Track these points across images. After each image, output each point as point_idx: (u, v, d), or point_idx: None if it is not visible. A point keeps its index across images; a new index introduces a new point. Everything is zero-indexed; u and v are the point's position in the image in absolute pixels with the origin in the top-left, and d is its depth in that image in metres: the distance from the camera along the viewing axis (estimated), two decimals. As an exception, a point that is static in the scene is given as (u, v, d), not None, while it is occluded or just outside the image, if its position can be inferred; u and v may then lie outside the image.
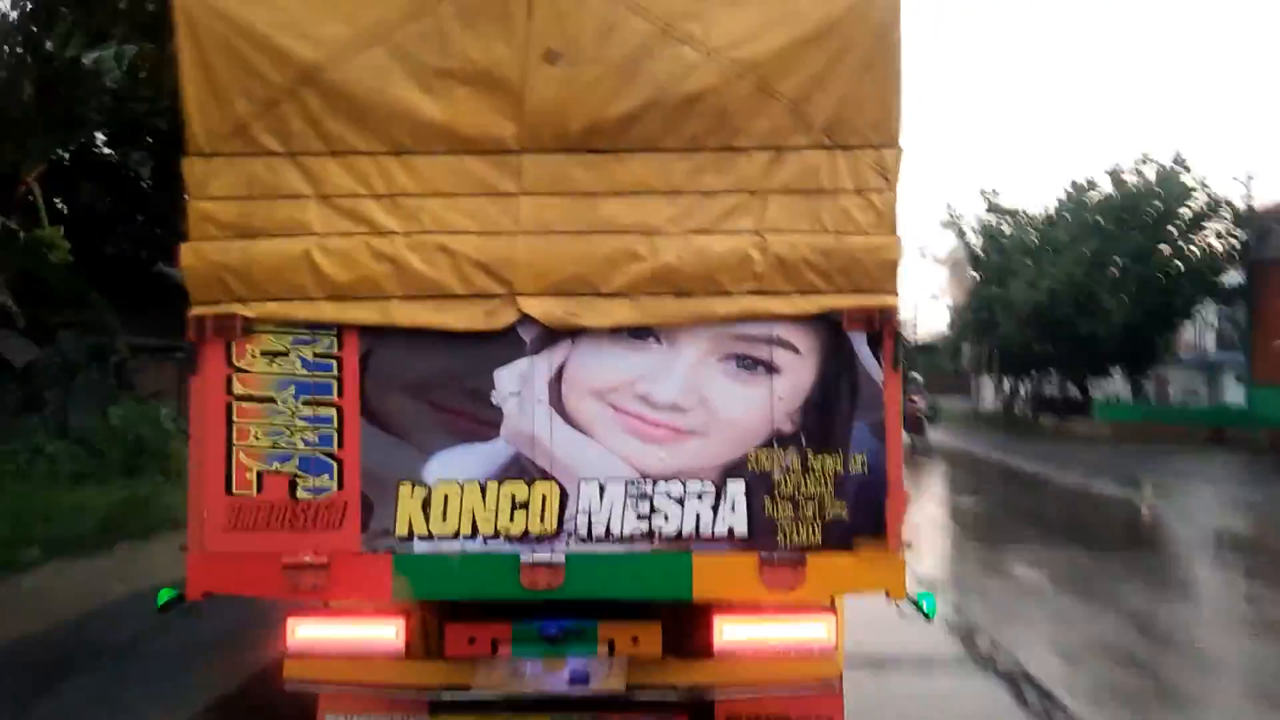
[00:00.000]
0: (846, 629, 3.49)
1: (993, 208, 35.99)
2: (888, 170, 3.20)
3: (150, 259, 14.09)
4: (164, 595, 3.23)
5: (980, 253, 36.30)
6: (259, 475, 3.13)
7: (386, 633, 3.34)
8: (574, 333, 3.16)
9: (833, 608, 3.42)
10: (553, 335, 3.16)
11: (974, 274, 36.94)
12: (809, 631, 3.38)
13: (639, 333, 3.17)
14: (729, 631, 3.37)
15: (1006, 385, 39.86)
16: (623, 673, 3.27)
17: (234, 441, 3.13)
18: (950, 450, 23.79)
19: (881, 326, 3.17)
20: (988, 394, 44.13)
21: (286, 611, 3.35)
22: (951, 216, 37.45)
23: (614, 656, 3.34)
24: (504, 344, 3.15)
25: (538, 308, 3.13)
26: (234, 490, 3.12)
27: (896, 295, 3.20)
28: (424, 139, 3.18)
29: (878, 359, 3.18)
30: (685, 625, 3.41)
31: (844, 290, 3.17)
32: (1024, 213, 35.53)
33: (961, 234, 37.15)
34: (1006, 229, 35.60)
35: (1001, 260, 34.00)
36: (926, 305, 65.56)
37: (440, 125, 3.17)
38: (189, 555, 3.16)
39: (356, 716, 3.53)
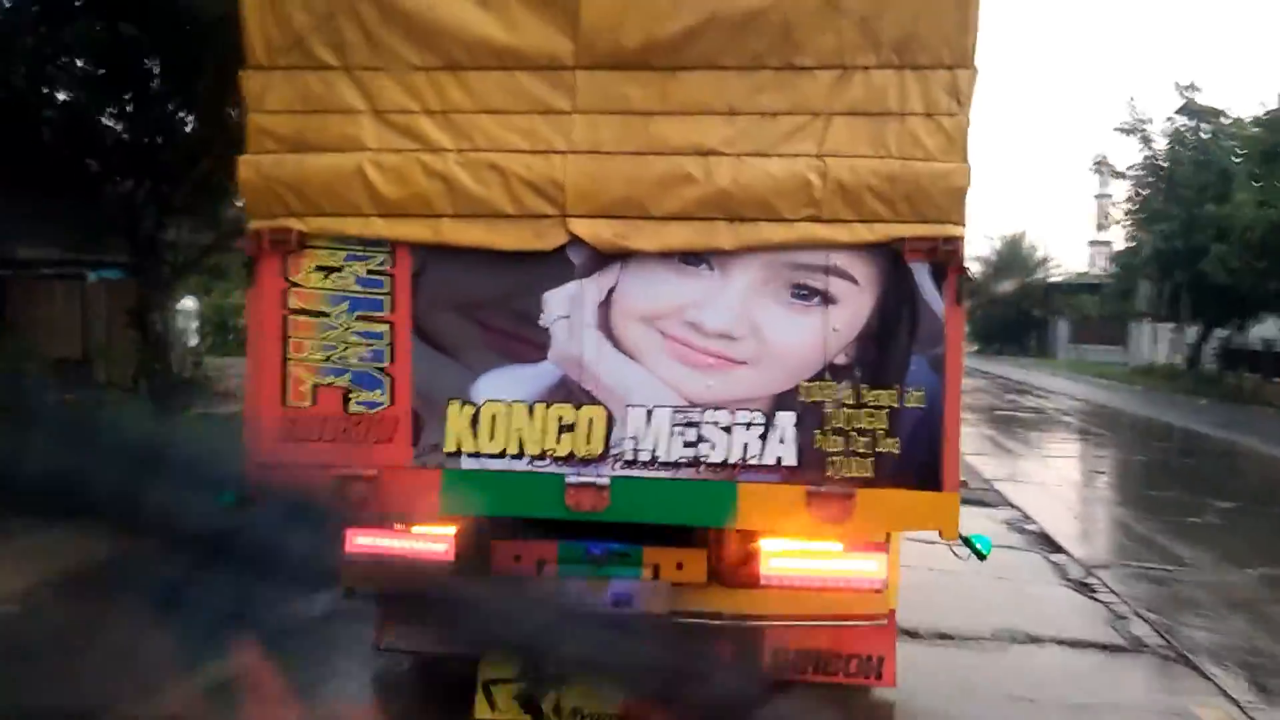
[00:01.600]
0: None
1: (1191, 108, 26.94)
2: (960, 92, 3.03)
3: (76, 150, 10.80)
4: (224, 496, 3.35)
5: (1171, 164, 27.51)
6: (314, 388, 3.20)
7: (437, 547, 3.42)
8: (624, 256, 3.11)
9: (886, 545, 3.37)
10: (602, 258, 3.12)
11: (1156, 192, 28.65)
12: (859, 567, 3.35)
13: (690, 258, 3.11)
14: (775, 563, 3.35)
15: (1192, 334, 29.97)
16: (666, 595, 3.30)
17: (289, 355, 3.20)
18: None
19: (946, 258, 3.04)
20: (1144, 345, 36.65)
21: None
22: (1135, 119, 28.35)
23: (658, 581, 3.37)
24: (553, 266, 3.12)
25: (587, 229, 3.09)
26: (289, 401, 3.20)
27: (963, 225, 3.06)
28: (478, 55, 3.13)
29: (940, 292, 3.06)
30: (732, 555, 3.41)
31: (907, 219, 3.04)
32: (1233, 114, 26.53)
33: (1148, 141, 28.43)
34: (1209, 133, 26.74)
35: (1206, 174, 25.50)
36: (1071, 238, 59.17)
37: (494, 41, 3.11)
38: (247, 464, 3.26)
39: (414, 627, 3.67)
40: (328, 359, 3.19)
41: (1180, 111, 27.13)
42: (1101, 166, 31.70)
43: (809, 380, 3.09)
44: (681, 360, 3.13)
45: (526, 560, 3.39)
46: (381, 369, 3.18)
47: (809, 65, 3.05)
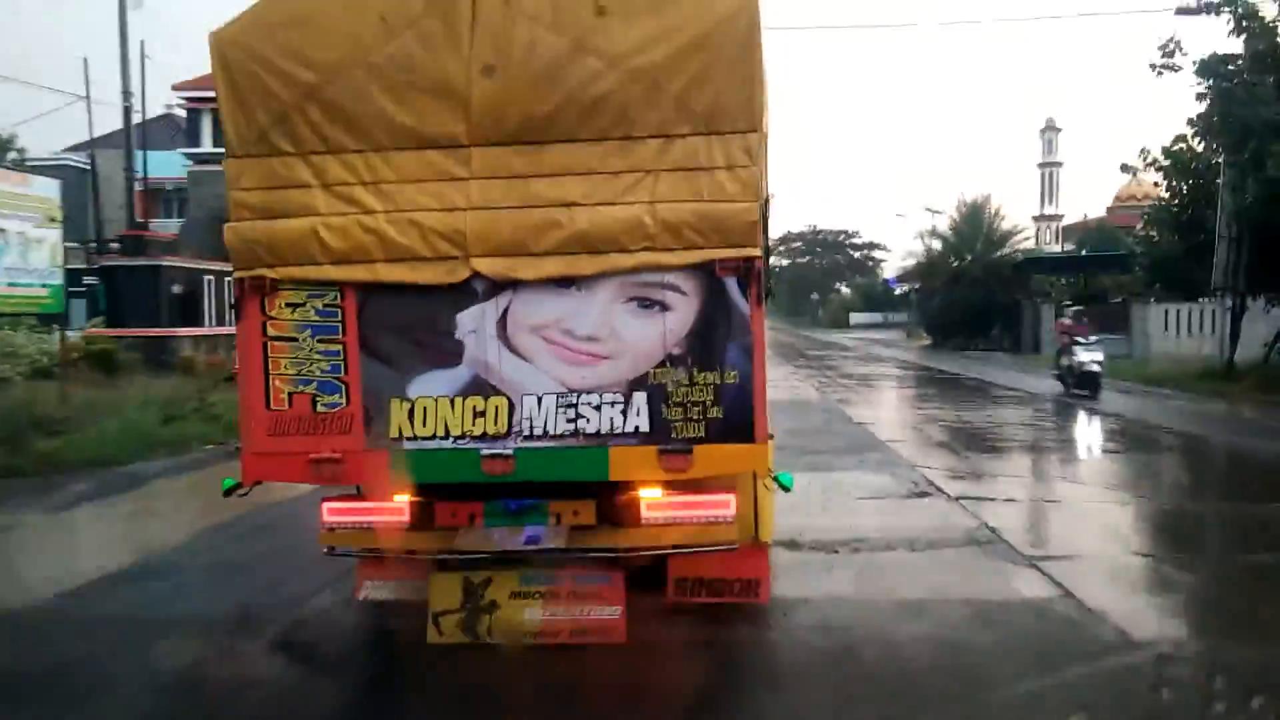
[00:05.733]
0: None
1: None
2: (752, 151, 4.08)
3: None
4: (226, 483, 4.51)
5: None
6: (289, 395, 4.29)
7: (395, 510, 4.55)
8: (513, 284, 4.17)
9: (734, 488, 4.47)
10: (498, 286, 4.18)
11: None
12: (714, 507, 4.44)
13: (562, 282, 4.16)
14: (649, 506, 4.45)
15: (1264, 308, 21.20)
16: (565, 535, 4.41)
17: (270, 371, 4.31)
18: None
19: (747, 272, 4.11)
20: (1153, 333, 28.96)
21: (322, 497, 4.61)
22: None
23: (560, 525, 4.49)
24: (462, 293, 4.19)
25: (486, 265, 4.16)
26: (271, 406, 4.30)
27: (758, 247, 4.12)
28: (398, 138, 4.18)
29: (745, 297, 4.13)
30: (618, 503, 4.48)
31: (718, 245, 4.08)
32: None
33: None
34: None
35: None
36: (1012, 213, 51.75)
37: (409, 127, 4.16)
38: (243, 454, 4.41)
39: (384, 580, 4.85)
40: (299, 373, 4.28)
41: None
42: (1168, 52, 19.95)
43: (655, 368, 4.16)
44: (561, 359, 4.21)
45: (461, 516, 4.50)
46: (339, 378, 4.28)
47: (641, 135, 4.10)
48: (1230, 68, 19.95)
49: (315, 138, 4.19)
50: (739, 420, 4.11)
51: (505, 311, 4.18)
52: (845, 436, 13.00)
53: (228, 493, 4.44)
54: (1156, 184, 23.97)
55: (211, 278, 24.65)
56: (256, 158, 4.23)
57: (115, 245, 25.30)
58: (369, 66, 4.13)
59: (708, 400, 4.12)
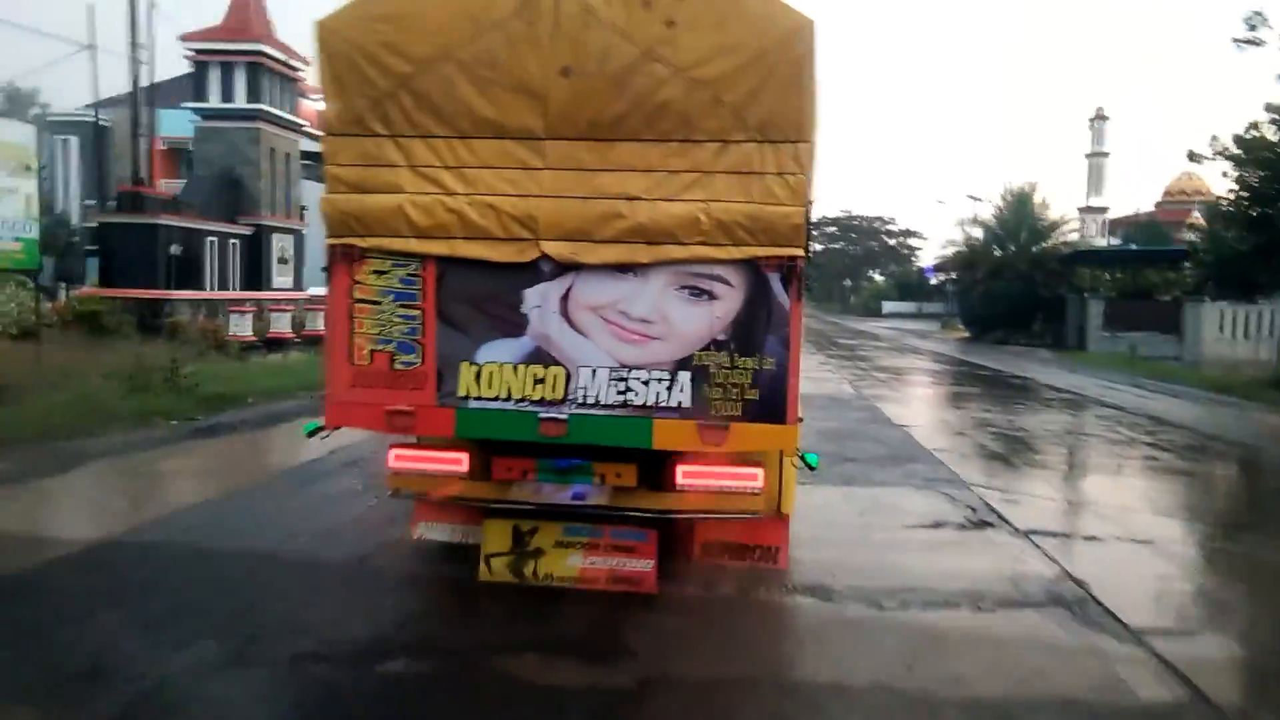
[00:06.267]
0: None
1: None
2: (801, 160, 4.66)
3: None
4: (309, 426, 5.01)
5: None
6: (370, 352, 4.85)
7: (456, 460, 5.05)
8: (577, 267, 4.74)
9: (762, 463, 5.00)
10: (563, 267, 4.76)
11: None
12: (743, 478, 4.99)
13: (621, 268, 4.74)
14: (685, 474, 4.99)
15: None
16: (608, 494, 5.01)
17: (354, 330, 4.81)
18: None
19: (790, 269, 4.65)
20: (1206, 334, 28.12)
21: (390, 444, 5.10)
22: None
23: (604, 485, 5.03)
24: (530, 272, 4.76)
25: (553, 248, 4.72)
26: (354, 361, 4.85)
27: (803, 248, 4.66)
28: (480, 128, 4.74)
29: (787, 292, 4.67)
30: (657, 469, 5.07)
31: (764, 244, 4.68)
32: None
33: None
34: None
35: None
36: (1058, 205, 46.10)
37: (490, 119, 4.72)
38: (326, 402, 4.90)
39: (439, 523, 5.36)
40: (380, 333, 4.84)
41: None
42: (1252, 25, 20.71)
43: (700, 350, 4.74)
44: (615, 337, 4.75)
45: (515, 470, 5.08)
46: (416, 340, 4.82)
47: (700, 140, 4.66)
48: None
49: (406, 122, 4.72)
50: (773, 403, 4.65)
51: (568, 291, 4.71)
52: (885, 442, 11.62)
53: (310, 434, 4.93)
54: (1225, 174, 22.94)
55: (214, 239, 24.74)
56: (352, 136, 4.73)
57: (112, 203, 25.26)
58: (458, 62, 4.66)
59: (746, 383, 4.66)
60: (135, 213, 22.74)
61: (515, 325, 4.82)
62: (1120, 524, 7.87)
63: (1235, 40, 20.13)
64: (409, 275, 4.83)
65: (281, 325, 22.67)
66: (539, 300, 4.80)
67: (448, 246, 4.78)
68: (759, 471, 5.04)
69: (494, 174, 4.77)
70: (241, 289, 25.55)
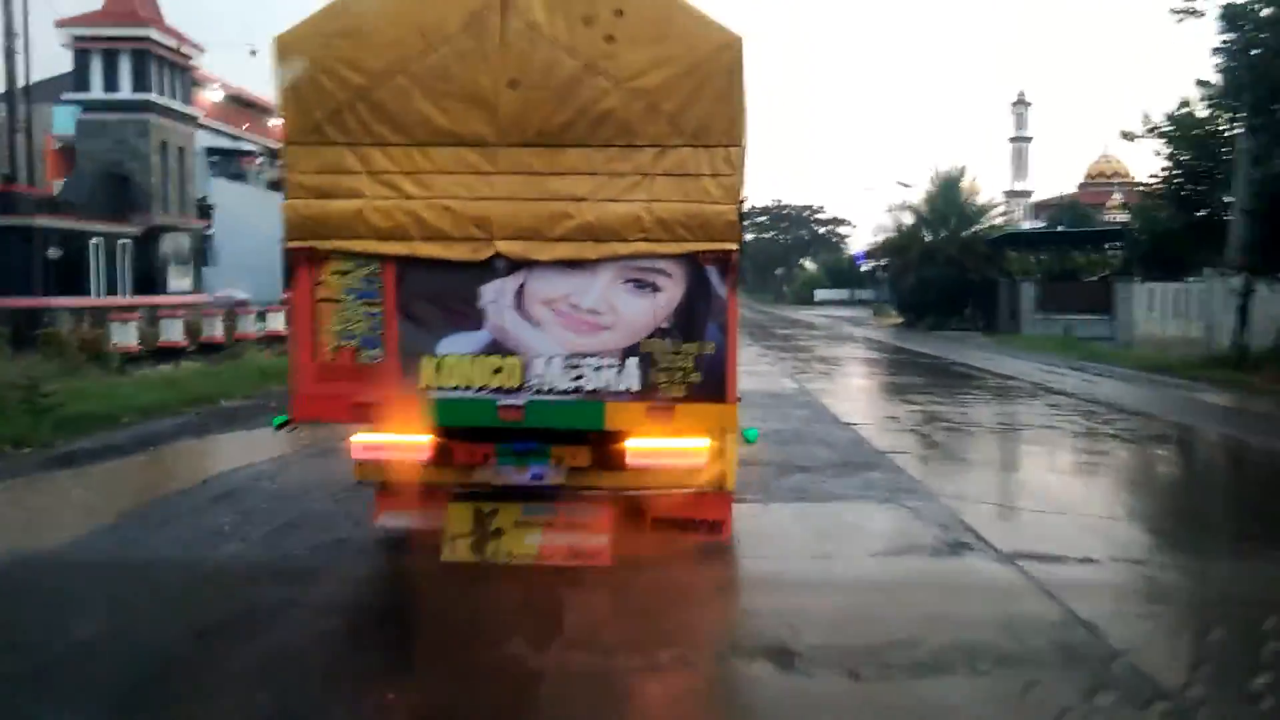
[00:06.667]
0: None
1: None
2: (733, 161, 5.23)
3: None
4: (277, 420, 5.27)
5: None
6: (335, 348, 5.18)
7: (419, 449, 5.38)
8: (529, 263, 5.19)
9: (705, 441, 5.47)
10: (516, 264, 5.23)
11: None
12: (689, 456, 5.50)
13: (570, 264, 5.23)
14: (634, 453, 5.43)
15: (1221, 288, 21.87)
16: (564, 474, 5.52)
17: (318, 327, 5.12)
18: None
19: (725, 262, 5.16)
20: (1137, 313, 28.36)
21: (351, 435, 5.40)
22: None
23: (560, 466, 5.46)
24: (485, 270, 5.22)
25: (506, 247, 5.17)
26: (319, 357, 5.16)
27: (737, 243, 5.15)
28: (435, 136, 5.17)
29: (723, 283, 5.17)
30: (609, 450, 5.60)
31: (701, 239, 5.25)
32: None
33: None
34: None
35: None
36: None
37: (444, 128, 5.14)
38: (292, 397, 5.16)
39: (401, 511, 5.67)
40: (344, 329, 5.18)
41: None
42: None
43: (646, 338, 5.27)
44: (567, 327, 5.24)
45: (476, 455, 5.52)
46: (379, 335, 5.18)
47: (640, 145, 5.21)
48: (1264, 13, 18.79)
49: (363, 132, 5.09)
50: (714, 384, 5.18)
51: (521, 286, 5.14)
52: (835, 445, 10.71)
53: (279, 428, 5.18)
54: (1157, 153, 23.26)
55: (99, 240, 23.56)
56: (312, 145, 5.03)
57: (-17, 204, 24.24)
58: (411, 75, 5.08)
59: (688, 366, 5.16)
60: (6, 214, 21.46)
61: (472, 319, 5.23)
62: (1115, 540, 7.03)
63: (1173, 10, 19.69)
64: (370, 275, 5.19)
65: (174, 333, 21.07)
66: (494, 295, 5.20)
67: (407, 247, 5.15)
68: (703, 448, 5.52)
69: (449, 179, 5.16)
70: (133, 293, 24.68)
